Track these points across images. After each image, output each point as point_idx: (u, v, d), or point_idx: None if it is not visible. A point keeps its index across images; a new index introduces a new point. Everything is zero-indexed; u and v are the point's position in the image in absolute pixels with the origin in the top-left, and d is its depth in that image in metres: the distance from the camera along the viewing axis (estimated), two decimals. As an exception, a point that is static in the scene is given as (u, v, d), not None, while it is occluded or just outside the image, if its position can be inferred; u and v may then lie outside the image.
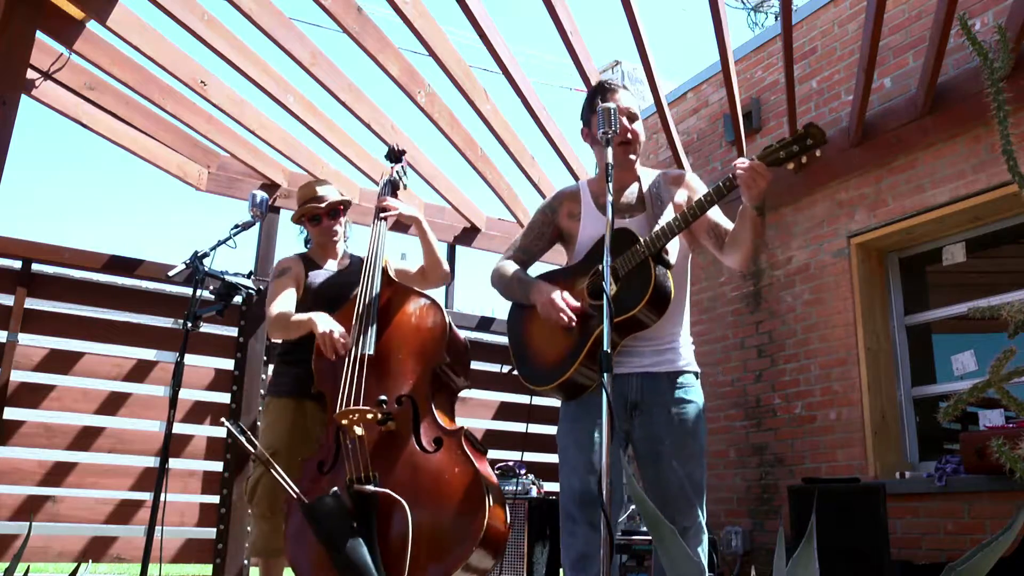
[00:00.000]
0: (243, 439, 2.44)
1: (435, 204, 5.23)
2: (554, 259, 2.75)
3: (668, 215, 2.29)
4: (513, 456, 4.71)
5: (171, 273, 2.88)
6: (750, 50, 5.29)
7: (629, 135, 2.30)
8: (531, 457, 5.12)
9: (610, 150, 2.02)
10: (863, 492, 3.49)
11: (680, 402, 2.21)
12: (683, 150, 5.04)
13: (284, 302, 2.84)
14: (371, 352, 2.60)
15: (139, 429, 4.12)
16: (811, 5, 4.86)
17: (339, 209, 3.08)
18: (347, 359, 2.60)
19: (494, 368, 5.28)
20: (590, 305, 2.21)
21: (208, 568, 4.16)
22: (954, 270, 4.21)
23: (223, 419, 2.68)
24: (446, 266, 3.02)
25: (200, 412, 4.26)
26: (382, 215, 2.87)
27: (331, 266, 3.08)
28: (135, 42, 3.53)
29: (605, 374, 1.63)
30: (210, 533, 4.13)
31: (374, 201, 3.01)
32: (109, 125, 4.15)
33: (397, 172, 3.10)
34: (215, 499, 4.17)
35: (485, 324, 5.46)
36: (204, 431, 4.28)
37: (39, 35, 3.45)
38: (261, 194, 2.85)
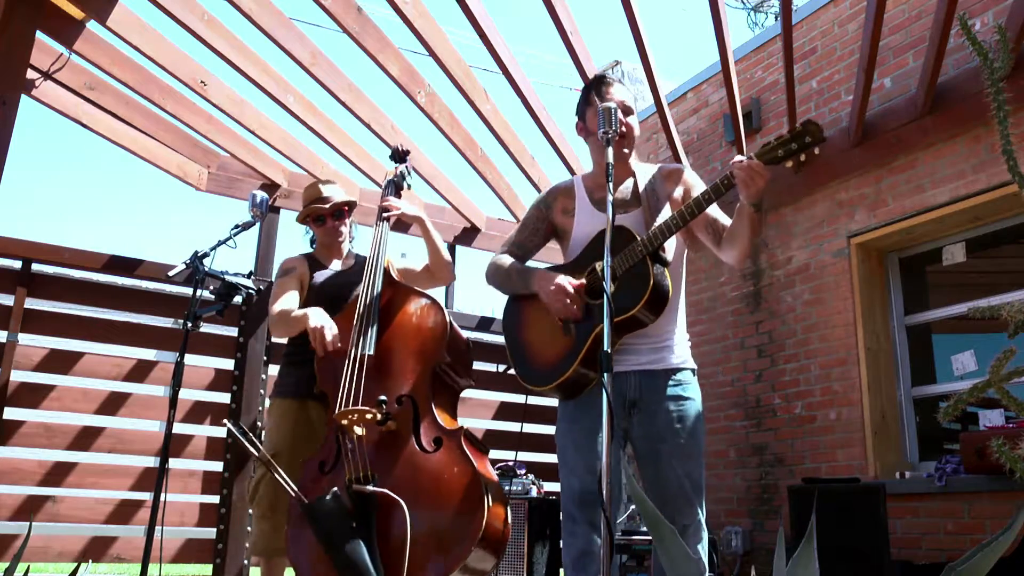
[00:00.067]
0: (245, 440, 2.45)
1: (435, 204, 5.23)
2: (547, 257, 2.73)
3: (665, 212, 2.28)
4: (512, 455, 4.71)
5: (171, 273, 2.89)
6: (750, 50, 5.29)
7: (623, 128, 2.28)
8: (532, 457, 5.12)
9: (610, 150, 2.02)
10: (863, 492, 3.49)
11: (678, 399, 2.21)
12: (683, 150, 5.04)
13: (286, 301, 2.86)
14: (371, 352, 2.61)
15: (139, 429, 4.12)
16: (811, 5, 4.86)
17: (344, 210, 3.09)
18: (347, 359, 2.61)
19: (493, 368, 5.28)
20: (587, 304, 2.20)
21: (208, 568, 4.17)
22: (954, 270, 4.21)
23: (226, 421, 2.69)
24: (451, 265, 3.03)
25: (200, 412, 4.26)
26: (384, 215, 2.87)
27: (336, 266, 3.09)
28: (135, 42, 3.53)
29: (605, 374, 1.63)
30: (210, 533, 4.13)
31: (374, 201, 3.02)
32: (109, 125, 4.15)
33: (400, 172, 3.10)
34: (215, 499, 4.17)
35: (485, 324, 5.46)
36: (204, 431, 4.28)
37: (39, 35, 3.45)
38: (261, 194, 2.85)
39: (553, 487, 4.42)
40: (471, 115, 4.23)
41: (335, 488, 2.42)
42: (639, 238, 2.12)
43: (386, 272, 2.83)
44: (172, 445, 2.60)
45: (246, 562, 4.13)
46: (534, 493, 4.49)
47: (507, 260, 2.45)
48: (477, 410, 5.18)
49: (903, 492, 3.86)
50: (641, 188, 2.33)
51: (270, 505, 2.80)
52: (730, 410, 4.97)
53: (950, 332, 4.30)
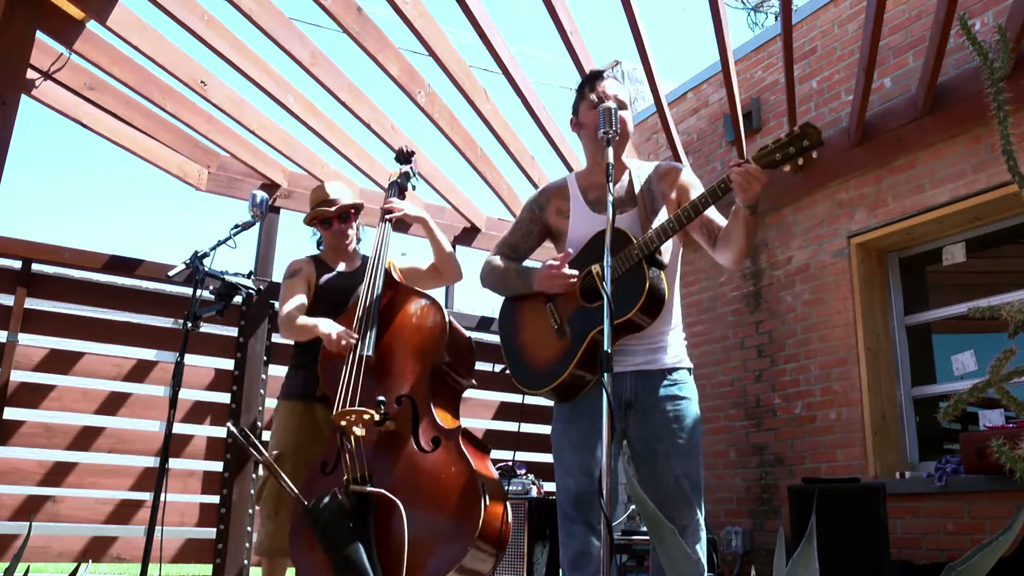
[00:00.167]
0: (247, 443, 2.45)
1: (435, 204, 5.23)
2: (543, 257, 2.73)
3: (662, 214, 2.27)
4: (511, 455, 4.71)
5: (171, 273, 2.89)
6: (750, 50, 5.29)
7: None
8: (532, 457, 5.12)
9: (610, 150, 2.02)
10: (863, 492, 3.49)
11: (674, 399, 2.20)
12: (683, 150, 5.04)
13: (294, 303, 2.88)
14: (370, 353, 2.62)
15: (139, 429, 4.12)
16: (811, 5, 4.86)
17: (350, 213, 3.10)
18: (347, 361, 2.62)
19: (491, 368, 5.28)
20: (583, 306, 2.20)
21: (208, 568, 4.16)
22: (954, 270, 4.21)
23: (230, 425, 2.71)
24: (458, 263, 3.03)
25: (200, 412, 4.26)
26: (387, 216, 2.88)
27: (342, 268, 3.10)
28: (135, 42, 3.53)
29: (606, 374, 1.63)
30: (210, 533, 4.13)
31: (374, 201, 3.02)
32: (109, 125, 4.15)
33: (404, 173, 3.11)
34: (215, 499, 4.17)
35: (485, 324, 5.46)
36: (204, 431, 4.28)
37: (39, 35, 3.44)
38: (261, 194, 2.86)
39: (553, 487, 4.41)
40: (471, 115, 4.23)
41: (334, 489, 2.43)
42: (635, 241, 2.11)
43: (387, 273, 2.83)
44: (172, 445, 2.61)
45: (246, 562, 4.13)
46: (534, 493, 4.49)
47: (503, 262, 2.43)
48: (477, 410, 5.18)
49: (903, 492, 3.86)
50: (637, 187, 2.32)
51: (274, 506, 2.83)
52: (730, 410, 4.97)
53: (950, 332, 4.30)
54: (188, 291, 2.80)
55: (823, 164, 4.41)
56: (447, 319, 2.68)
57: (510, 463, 4.60)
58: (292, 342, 3.04)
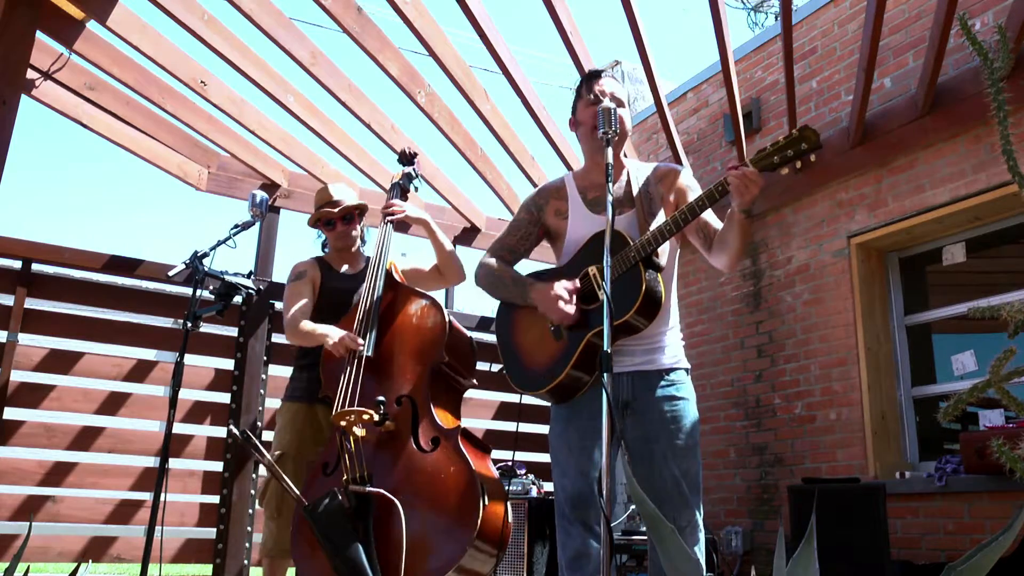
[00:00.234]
0: (249, 445, 2.46)
1: (435, 204, 5.23)
2: (541, 255, 2.73)
3: (659, 216, 2.27)
4: (511, 456, 4.71)
5: (171, 273, 2.89)
6: (750, 50, 5.29)
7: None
8: (532, 457, 5.12)
9: (610, 151, 2.02)
10: (863, 492, 3.49)
11: (672, 399, 2.20)
12: (683, 150, 5.04)
13: (298, 307, 2.90)
14: (370, 354, 2.62)
15: (139, 429, 4.12)
16: (811, 5, 4.86)
17: (354, 214, 3.10)
18: (347, 362, 2.63)
19: (489, 368, 5.28)
20: (580, 308, 2.19)
21: (208, 568, 4.17)
22: (954, 270, 4.21)
23: (234, 428, 2.72)
24: (461, 264, 3.03)
25: (200, 412, 4.26)
26: (389, 218, 2.88)
27: (346, 269, 3.10)
28: (135, 42, 3.53)
29: (605, 375, 1.62)
30: (210, 533, 4.13)
31: (374, 201, 3.03)
32: (109, 125, 4.15)
33: (407, 175, 3.11)
34: (215, 499, 4.17)
35: (485, 324, 5.46)
36: (204, 431, 4.28)
37: (39, 35, 3.44)
38: (261, 194, 2.86)
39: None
40: (471, 115, 4.23)
41: (334, 489, 2.43)
42: (632, 243, 2.10)
43: (388, 274, 2.84)
44: (172, 445, 2.61)
45: (246, 562, 4.13)
46: (534, 493, 4.50)
47: (501, 266, 2.41)
48: (477, 410, 5.18)
49: (903, 492, 3.86)
50: (635, 188, 2.31)
51: (277, 507, 2.86)
52: (730, 410, 4.97)
53: (950, 332, 4.30)
54: (188, 291, 2.80)
55: (823, 164, 4.41)
56: (447, 319, 2.68)
57: (510, 463, 4.60)
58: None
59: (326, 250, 3.20)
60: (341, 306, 2.91)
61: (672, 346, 2.28)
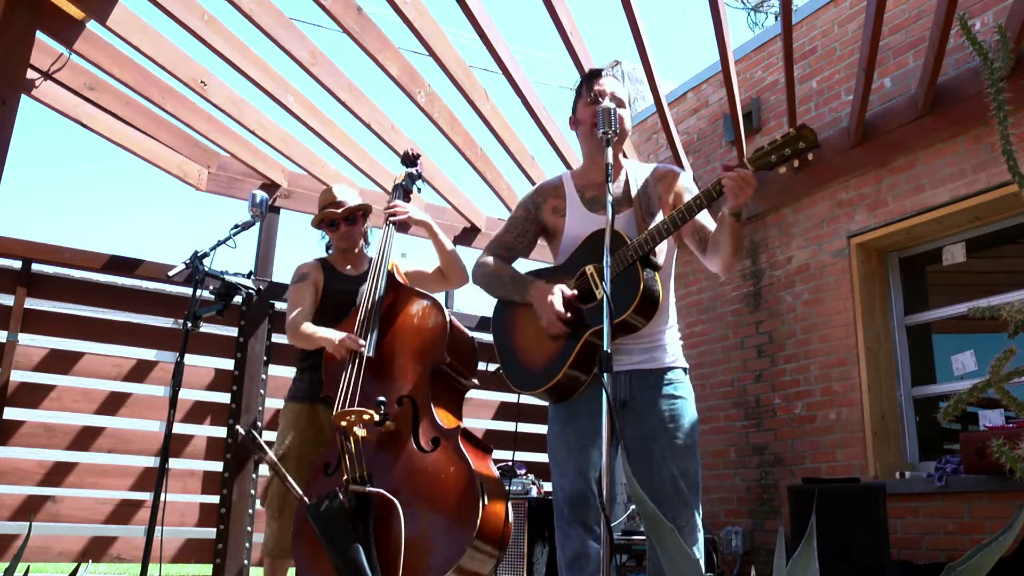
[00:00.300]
0: (254, 444, 2.47)
1: (435, 204, 5.23)
2: (538, 254, 2.72)
3: (658, 216, 2.26)
4: (510, 455, 4.72)
5: (171, 273, 2.89)
6: (750, 50, 5.29)
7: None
8: (532, 457, 5.12)
9: (610, 151, 2.02)
10: (863, 492, 3.49)
11: (670, 398, 2.19)
12: (683, 150, 5.04)
13: (300, 309, 2.90)
14: (371, 355, 2.62)
15: (139, 429, 4.12)
16: (811, 5, 4.86)
17: (357, 215, 3.10)
18: (347, 362, 2.63)
19: (491, 367, 5.29)
20: (578, 308, 2.19)
21: (208, 568, 4.17)
22: (954, 270, 4.21)
23: (239, 427, 2.72)
24: (464, 266, 3.02)
25: (200, 412, 4.26)
26: (392, 219, 2.88)
27: (350, 270, 3.10)
28: (135, 42, 3.53)
29: (605, 374, 1.62)
30: (210, 533, 4.13)
31: (374, 201, 3.03)
32: (109, 125, 4.15)
33: (410, 175, 3.11)
34: (215, 499, 4.17)
35: (485, 324, 5.46)
36: (204, 431, 4.28)
37: (39, 35, 3.44)
38: (261, 194, 2.86)
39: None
40: (471, 115, 4.23)
41: (334, 488, 2.44)
42: (629, 242, 2.10)
43: (390, 275, 2.84)
44: (172, 445, 2.61)
45: (246, 562, 4.14)
46: (534, 493, 4.50)
47: (499, 264, 2.40)
48: (477, 410, 5.18)
49: (903, 492, 3.86)
50: (634, 189, 2.31)
51: (279, 506, 2.86)
52: (730, 410, 4.97)
53: (950, 332, 4.30)
54: (188, 291, 2.80)
55: (823, 164, 4.41)
56: (449, 320, 2.68)
57: (510, 463, 4.60)
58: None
59: (330, 251, 3.20)
60: (345, 307, 2.90)
61: (670, 345, 2.28)
